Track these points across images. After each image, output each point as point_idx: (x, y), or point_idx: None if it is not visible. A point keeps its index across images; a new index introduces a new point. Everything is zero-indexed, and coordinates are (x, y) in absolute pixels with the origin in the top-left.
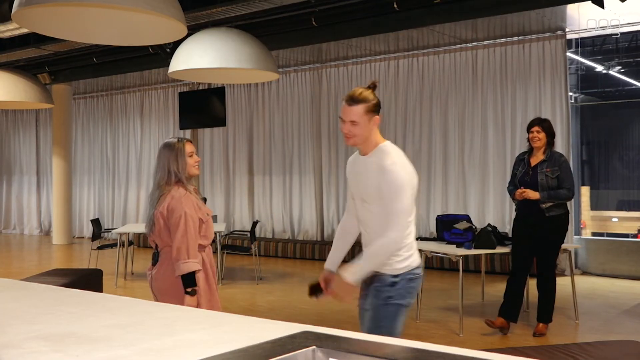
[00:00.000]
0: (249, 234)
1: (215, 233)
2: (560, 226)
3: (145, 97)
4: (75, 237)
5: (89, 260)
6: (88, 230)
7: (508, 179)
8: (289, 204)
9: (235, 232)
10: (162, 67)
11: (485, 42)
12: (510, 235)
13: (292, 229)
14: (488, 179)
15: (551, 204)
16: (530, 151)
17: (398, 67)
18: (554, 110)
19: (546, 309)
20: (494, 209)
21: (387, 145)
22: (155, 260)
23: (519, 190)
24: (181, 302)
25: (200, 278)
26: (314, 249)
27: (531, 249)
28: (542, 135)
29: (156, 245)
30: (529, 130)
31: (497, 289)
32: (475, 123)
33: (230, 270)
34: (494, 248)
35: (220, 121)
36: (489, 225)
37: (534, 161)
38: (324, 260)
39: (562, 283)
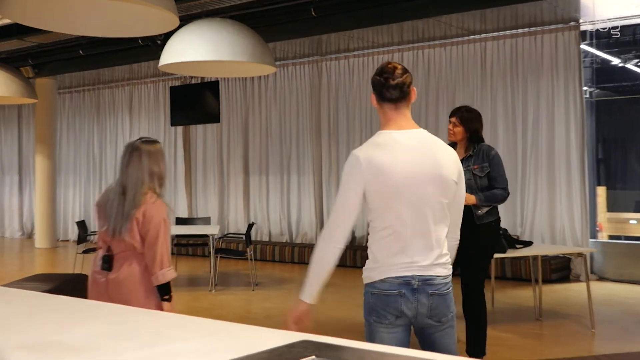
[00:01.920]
0: (244, 237)
1: (208, 236)
2: (491, 235)
3: (135, 92)
4: (59, 241)
5: (74, 264)
6: (73, 233)
7: (519, 178)
8: (287, 205)
9: (230, 235)
10: (152, 60)
11: (495, 34)
12: (520, 238)
13: (290, 232)
14: None
15: (487, 208)
16: (451, 145)
17: (402, 60)
18: (568, 106)
19: (477, 339)
20: (505, 210)
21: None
22: (108, 264)
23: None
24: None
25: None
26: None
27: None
28: (458, 129)
29: (108, 248)
30: (449, 118)
31: (508, 296)
32: (484, 120)
33: (225, 276)
34: (505, 252)
35: (214, 117)
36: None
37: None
38: None
39: (577, 289)
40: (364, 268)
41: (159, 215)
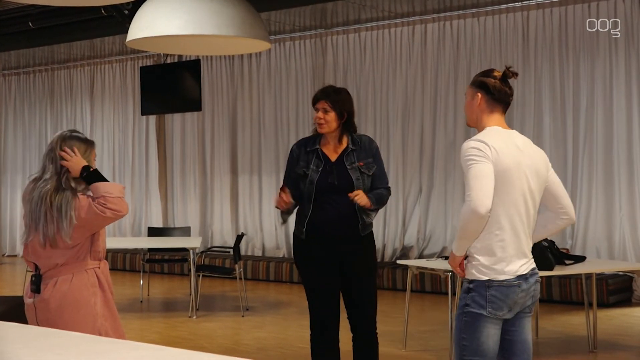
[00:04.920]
0: (231, 251)
1: (187, 250)
2: (373, 250)
3: (97, 73)
4: (5, 256)
5: (24, 284)
6: (22, 247)
7: (569, 178)
8: None
9: (214, 249)
10: (118, 34)
11: (540, 1)
12: (571, 252)
13: (288, 245)
14: None
15: (373, 214)
16: (318, 138)
17: (426, 33)
18: (630, 90)
19: None
20: None
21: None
22: (36, 285)
23: (353, 194)
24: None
25: (97, 302)
26: None
27: (337, 290)
28: (331, 116)
29: (36, 267)
30: (313, 105)
31: (555, 323)
32: (527, 106)
33: (208, 299)
34: (552, 269)
35: (194, 104)
36: (544, 239)
37: (331, 153)
38: None
39: (638, 315)
40: (475, 263)
41: (84, 203)
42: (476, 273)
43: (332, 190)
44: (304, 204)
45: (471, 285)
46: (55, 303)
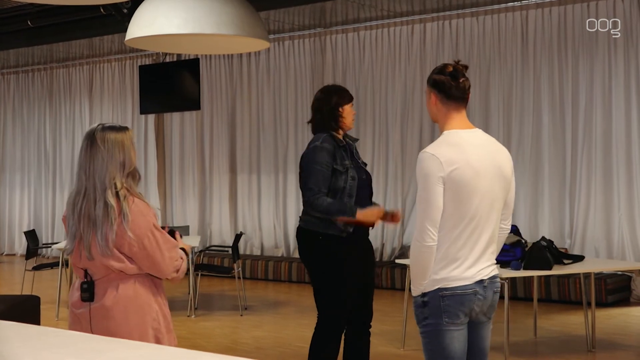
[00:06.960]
0: (230, 250)
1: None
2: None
3: (96, 72)
4: (3, 255)
5: (22, 284)
6: (21, 246)
7: (568, 177)
8: (283, 211)
9: (213, 248)
10: (117, 32)
11: (539, 0)
12: (569, 251)
13: (287, 244)
14: (542, 178)
15: None
16: (333, 135)
17: (425, 32)
18: (628, 89)
19: None
20: (550, 218)
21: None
22: (89, 293)
23: (396, 211)
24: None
25: (157, 305)
26: None
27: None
28: None
29: (85, 273)
30: (344, 103)
31: (554, 322)
32: (526, 106)
33: (207, 297)
34: (550, 268)
35: (193, 103)
36: (543, 238)
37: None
38: None
39: (639, 315)
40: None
41: (145, 222)
42: (427, 285)
43: (364, 185)
44: (345, 201)
45: (425, 299)
46: (119, 309)
